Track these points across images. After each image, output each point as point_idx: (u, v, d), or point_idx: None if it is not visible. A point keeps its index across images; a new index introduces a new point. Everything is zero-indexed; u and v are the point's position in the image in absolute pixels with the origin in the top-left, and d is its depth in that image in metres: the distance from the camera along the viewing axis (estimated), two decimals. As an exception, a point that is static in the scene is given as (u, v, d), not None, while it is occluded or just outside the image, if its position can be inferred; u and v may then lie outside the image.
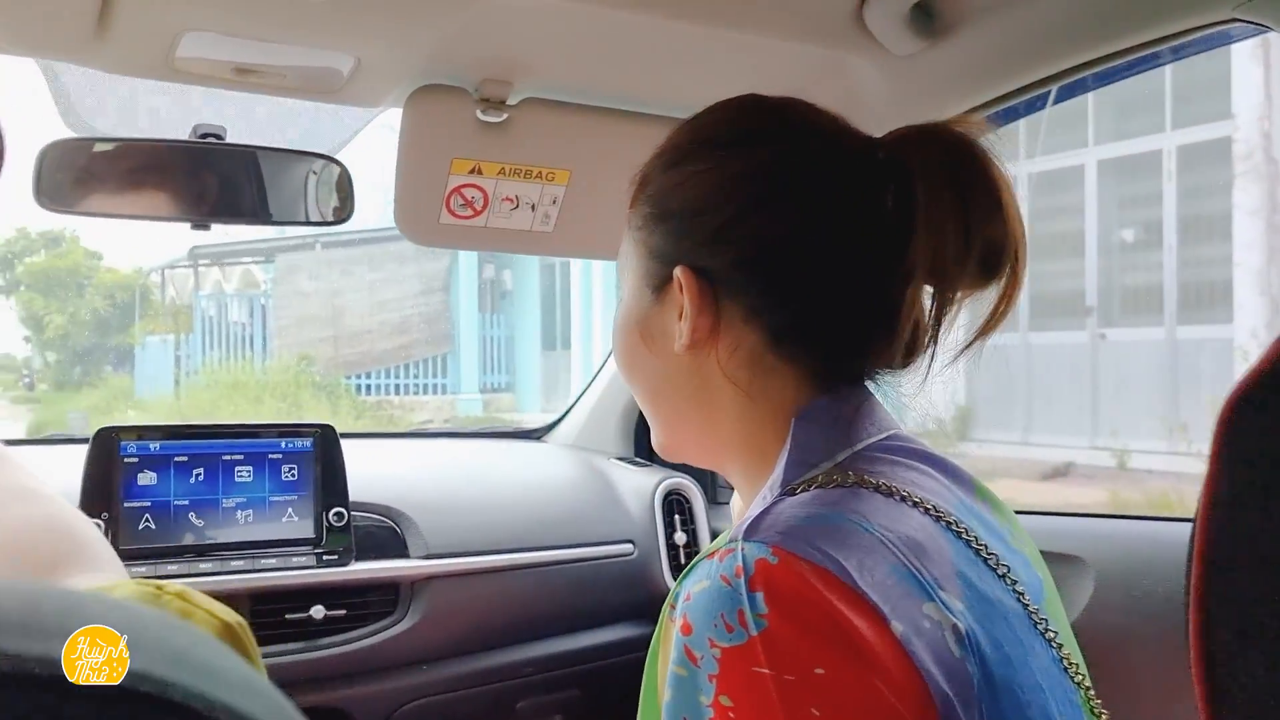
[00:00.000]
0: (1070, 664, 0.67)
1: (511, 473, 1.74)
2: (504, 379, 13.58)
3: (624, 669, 1.58)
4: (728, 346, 0.71)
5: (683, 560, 1.65)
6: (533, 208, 1.21)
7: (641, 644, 1.59)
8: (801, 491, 0.65)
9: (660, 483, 1.69)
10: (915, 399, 0.75)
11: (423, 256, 12.63)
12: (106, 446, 1.26)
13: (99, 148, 1.14)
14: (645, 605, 1.61)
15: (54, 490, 0.70)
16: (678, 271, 0.71)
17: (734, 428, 0.74)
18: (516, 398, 13.23)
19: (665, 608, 0.64)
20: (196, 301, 14.70)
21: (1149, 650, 1.28)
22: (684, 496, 1.71)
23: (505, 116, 1.12)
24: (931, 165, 0.68)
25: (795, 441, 0.69)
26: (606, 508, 1.66)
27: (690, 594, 0.59)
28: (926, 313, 0.70)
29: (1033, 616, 0.66)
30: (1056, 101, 1.08)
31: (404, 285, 12.93)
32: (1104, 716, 0.68)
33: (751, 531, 0.60)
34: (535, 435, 2.09)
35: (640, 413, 1.91)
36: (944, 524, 0.66)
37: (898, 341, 0.71)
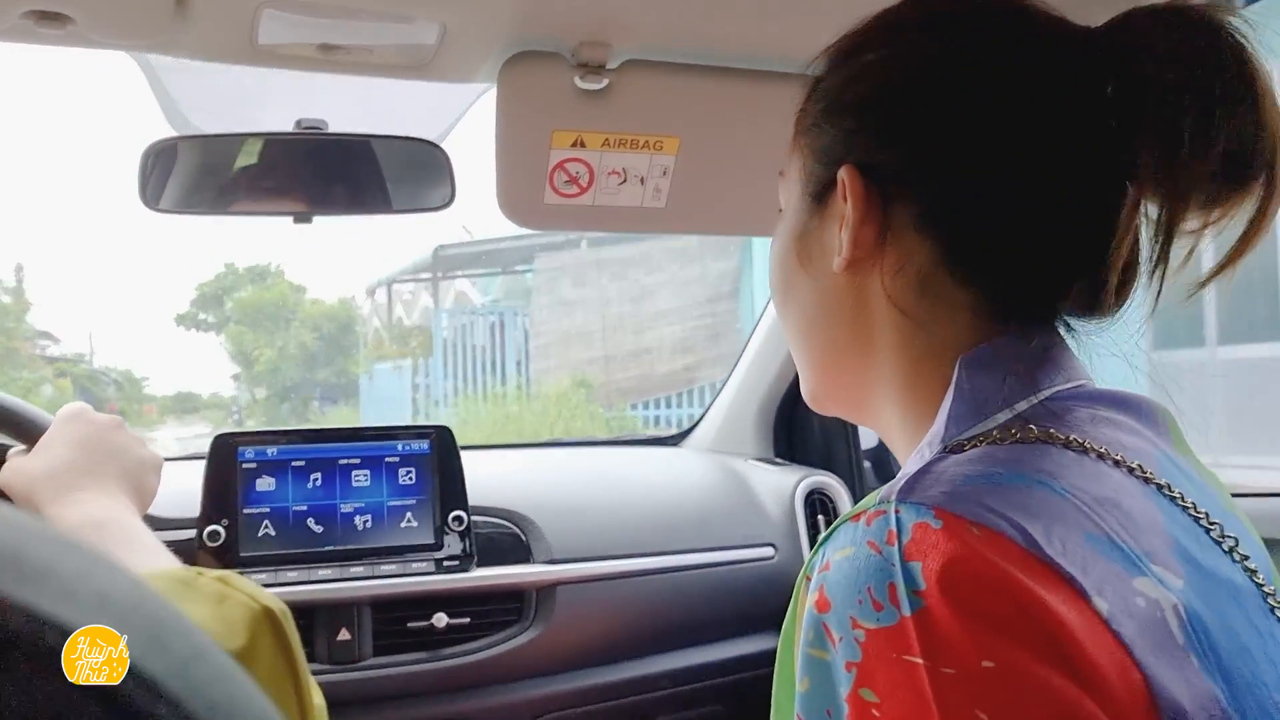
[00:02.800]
0: None
1: (641, 476, 1.65)
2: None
3: (769, 683, 1.47)
4: (893, 263, 0.60)
5: (829, 564, 1.53)
6: (641, 181, 1.13)
7: (787, 655, 1.48)
8: (970, 449, 0.53)
9: (801, 481, 1.58)
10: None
11: (708, 254, 10.17)
12: (225, 453, 1.25)
13: (202, 145, 1.13)
14: (789, 613, 1.49)
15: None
16: (842, 172, 0.61)
17: (894, 364, 0.62)
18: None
19: (800, 579, 0.53)
20: (436, 320, 12.25)
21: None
22: (827, 496, 1.59)
23: (606, 83, 1.05)
24: (1162, 45, 0.54)
25: (960, 388, 0.57)
26: (744, 509, 1.55)
27: (830, 562, 0.49)
28: (1144, 239, 0.56)
29: (1269, 598, 0.53)
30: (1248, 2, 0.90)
31: (687, 291, 10.42)
32: None
33: (908, 491, 0.49)
34: (670, 441, 2.01)
35: (778, 410, 1.82)
36: (1154, 487, 0.53)
37: (1108, 271, 0.56)
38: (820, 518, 1.56)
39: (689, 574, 1.42)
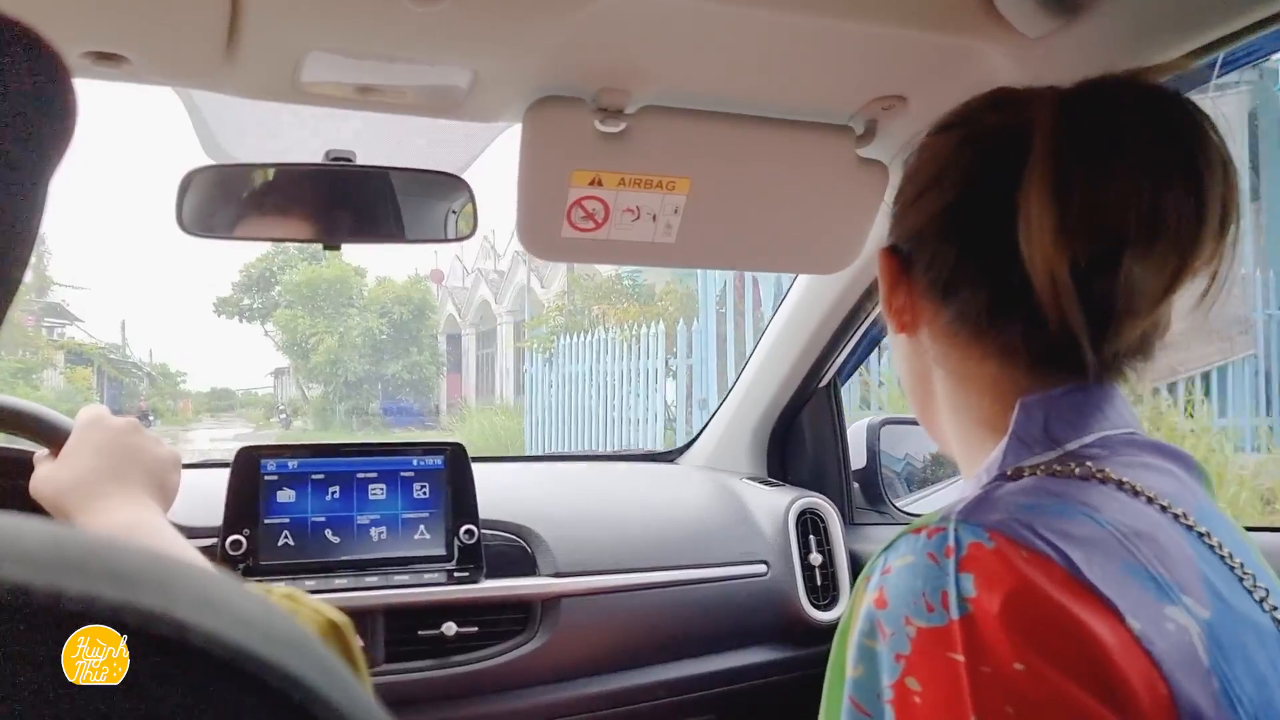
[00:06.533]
0: None
1: (641, 493, 1.72)
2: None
3: (762, 693, 1.53)
4: (927, 326, 0.71)
5: (819, 582, 1.60)
6: (654, 218, 1.19)
7: (779, 668, 1.55)
8: (1024, 478, 0.61)
9: (793, 502, 1.64)
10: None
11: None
12: (248, 465, 1.30)
13: (237, 174, 1.19)
14: (782, 628, 1.55)
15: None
16: (879, 252, 0.74)
17: (945, 410, 0.73)
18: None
19: (860, 580, 0.60)
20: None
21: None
22: (819, 516, 1.65)
23: (624, 126, 1.11)
24: (1047, 126, 0.61)
25: (1018, 424, 0.64)
26: (739, 527, 1.62)
27: (892, 567, 0.56)
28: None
29: None
30: (1222, 73, 0.98)
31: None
32: None
33: (968, 513, 0.56)
34: (668, 457, 2.07)
35: (772, 431, 1.89)
36: (1186, 527, 0.59)
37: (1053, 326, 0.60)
38: (812, 538, 1.62)
39: (686, 589, 1.49)
